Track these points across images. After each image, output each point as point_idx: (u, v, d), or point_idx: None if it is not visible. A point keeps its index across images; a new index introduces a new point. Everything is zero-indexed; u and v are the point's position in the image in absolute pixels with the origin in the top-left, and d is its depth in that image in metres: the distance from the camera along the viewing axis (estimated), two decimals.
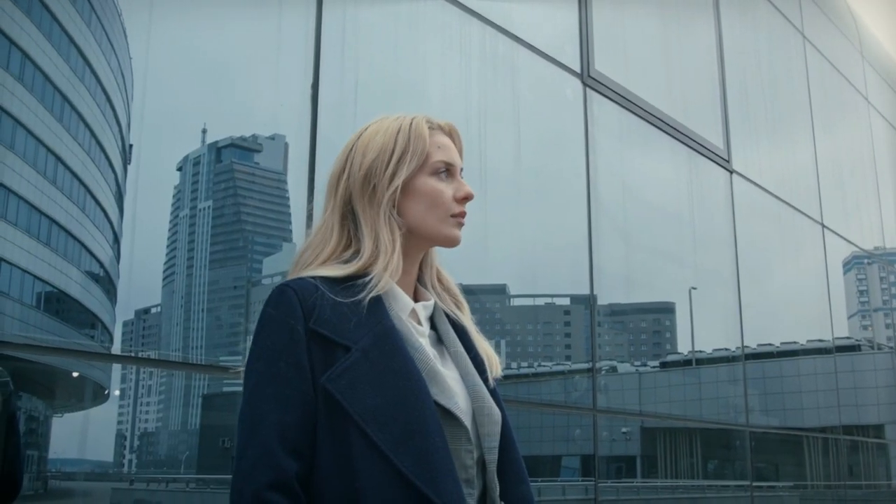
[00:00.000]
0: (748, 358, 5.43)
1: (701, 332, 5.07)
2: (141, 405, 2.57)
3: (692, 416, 5.07)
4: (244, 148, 2.82)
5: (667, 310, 4.90)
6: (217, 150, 2.72)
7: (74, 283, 2.48)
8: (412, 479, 0.92)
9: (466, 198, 1.10)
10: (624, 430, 4.43)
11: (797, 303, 6.47)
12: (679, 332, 4.95)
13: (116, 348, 2.48)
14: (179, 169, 2.70)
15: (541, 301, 4.04)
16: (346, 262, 1.05)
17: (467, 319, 1.15)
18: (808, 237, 6.56)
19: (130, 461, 2.57)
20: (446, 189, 1.09)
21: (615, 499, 4.33)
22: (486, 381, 1.08)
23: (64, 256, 2.45)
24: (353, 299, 1.00)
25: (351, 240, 1.07)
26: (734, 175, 5.50)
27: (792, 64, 6.79)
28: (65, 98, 2.49)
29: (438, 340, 1.11)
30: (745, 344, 5.38)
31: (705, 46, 5.50)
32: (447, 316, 1.13)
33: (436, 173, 1.09)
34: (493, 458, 1.03)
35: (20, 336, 2.27)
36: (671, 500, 4.96)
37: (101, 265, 2.52)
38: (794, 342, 6.39)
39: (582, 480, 3.98)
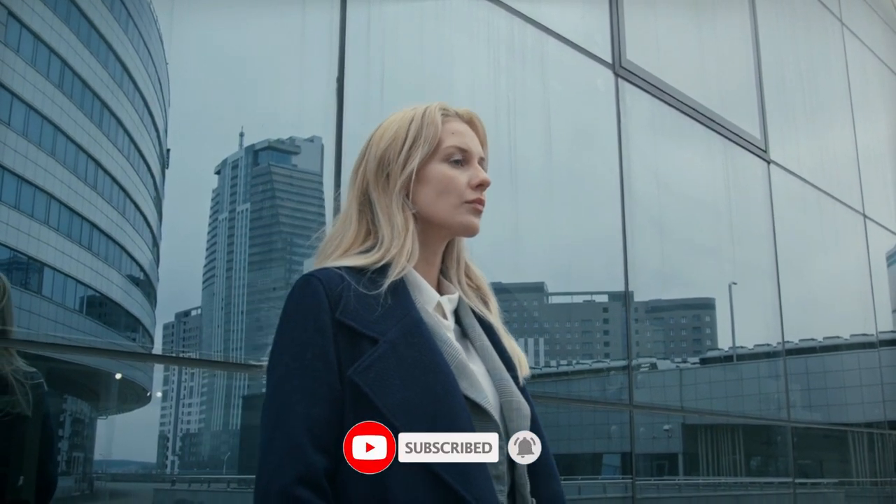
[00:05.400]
0: (790, 353, 5.31)
1: (741, 328, 4.97)
2: (183, 407, 2.59)
3: (734, 411, 4.98)
4: (281, 150, 2.82)
5: (707, 305, 4.81)
6: (254, 153, 2.73)
7: (116, 287, 2.51)
8: (443, 475, 0.89)
9: (481, 185, 1.07)
10: (666, 427, 4.37)
11: (839, 296, 6.30)
12: (719, 327, 4.86)
13: (157, 350, 2.50)
14: (218, 172, 2.72)
15: (579, 299, 3.99)
16: (367, 251, 1.03)
17: (495, 317, 1.12)
18: (849, 228, 6.38)
19: (173, 462, 2.59)
20: (459, 175, 1.07)
21: (656, 497, 4.28)
22: (515, 378, 1.05)
23: (105, 260, 2.48)
24: (377, 290, 0.98)
25: (370, 229, 1.06)
26: (772, 165, 5.36)
27: (830, 51, 6.62)
28: (104, 104, 2.52)
29: (463, 335, 1.09)
30: (786, 339, 5.26)
31: (740, 33, 5.36)
32: (472, 311, 1.10)
33: (448, 159, 1.07)
34: None
35: (62, 338, 2.30)
36: (713, 498, 4.88)
37: (142, 269, 2.55)
38: (838, 337, 6.24)
39: (620, 478, 3.92)
